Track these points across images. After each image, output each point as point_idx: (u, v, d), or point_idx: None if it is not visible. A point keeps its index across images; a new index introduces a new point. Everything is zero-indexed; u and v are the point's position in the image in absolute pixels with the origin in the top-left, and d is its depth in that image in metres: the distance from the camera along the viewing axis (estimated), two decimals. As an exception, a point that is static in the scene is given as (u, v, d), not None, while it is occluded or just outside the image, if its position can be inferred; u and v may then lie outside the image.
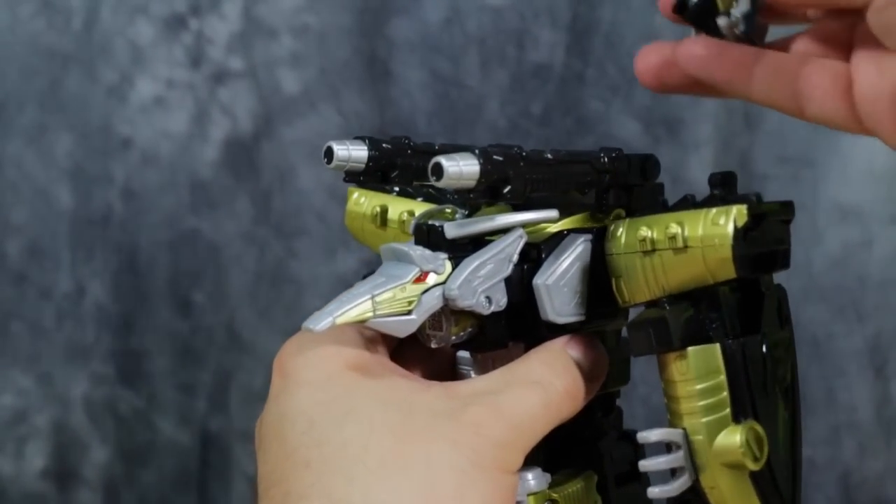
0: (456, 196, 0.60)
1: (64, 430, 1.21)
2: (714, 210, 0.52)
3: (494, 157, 0.50)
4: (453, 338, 0.54)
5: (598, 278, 0.55)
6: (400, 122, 1.12)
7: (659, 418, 1.17)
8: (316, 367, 0.53)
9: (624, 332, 0.59)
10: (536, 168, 0.52)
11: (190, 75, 1.15)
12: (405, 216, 0.60)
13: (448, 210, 0.58)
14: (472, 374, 0.57)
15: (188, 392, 1.19)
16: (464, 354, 0.57)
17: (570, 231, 0.55)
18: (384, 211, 0.61)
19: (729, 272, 0.51)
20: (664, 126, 1.08)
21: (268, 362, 1.29)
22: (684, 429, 0.53)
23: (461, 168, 0.49)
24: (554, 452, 0.56)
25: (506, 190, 0.51)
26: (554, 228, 0.55)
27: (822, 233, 1.07)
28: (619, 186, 0.55)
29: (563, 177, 0.53)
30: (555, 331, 0.55)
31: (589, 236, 0.55)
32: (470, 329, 0.54)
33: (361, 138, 0.55)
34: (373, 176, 0.56)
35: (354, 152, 0.55)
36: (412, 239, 0.55)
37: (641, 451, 0.57)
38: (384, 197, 0.61)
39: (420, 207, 0.60)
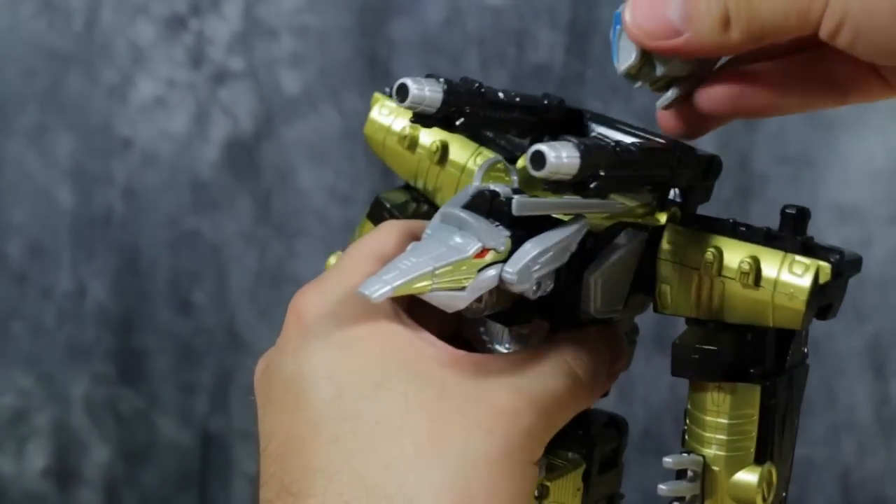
0: (502, 142, 0.57)
1: (64, 430, 1.21)
2: (797, 258, 0.51)
3: (595, 151, 0.47)
4: (487, 311, 0.51)
5: (642, 277, 0.53)
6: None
7: (658, 418, 1.18)
8: (341, 323, 0.50)
9: (634, 323, 0.59)
10: (626, 166, 0.50)
11: (190, 75, 1.15)
12: (437, 146, 0.58)
13: (500, 166, 0.55)
14: (483, 329, 0.55)
15: (189, 392, 1.19)
16: None
17: (627, 225, 0.53)
18: (415, 136, 0.59)
19: (794, 323, 0.50)
20: (664, 126, 1.08)
21: (268, 362, 1.26)
22: (703, 456, 0.53)
23: (563, 160, 0.47)
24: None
25: (592, 185, 0.48)
26: (610, 219, 0.53)
27: (821, 233, 1.06)
28: (681, 185, 0.54)
29: (644, 178, 0.51)
30: (588, 321, 0.53)
31: (646, 235, 0.53)
32: (505, 305, 0.52)
33: (434, 77, 0.51)
34: (440, 121, 0.51)
35: (430, 93, 0.50)
36: (461, 195, 0.51)
37: (625, 438, 0.57)
38: None
39: (454, 140, 0.58)
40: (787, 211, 0.52)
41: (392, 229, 0.55)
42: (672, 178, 0.53)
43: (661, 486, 0.53)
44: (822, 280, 0.50)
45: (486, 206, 0.50)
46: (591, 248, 0.52)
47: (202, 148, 1.16)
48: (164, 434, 1.20)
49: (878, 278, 1.07)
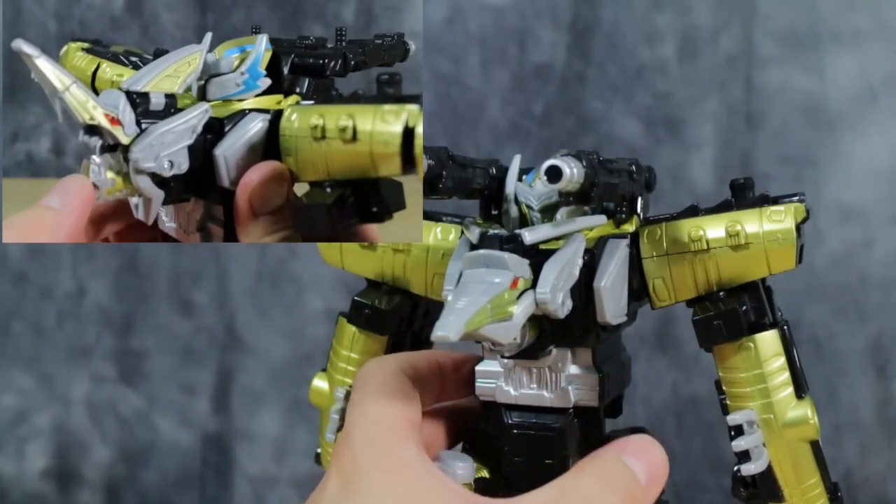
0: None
1: (65, 431, 1.21)
2: (771, 208, 0.57)
3: (593, 163, 0.52)
4: (524, 344, 0.54)
5: (631, 281, 0.58)
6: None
7: (660, 418, 1.17)
8: (371, 476, 0.53)
9: (627, 337, 0.60)
10: (612, 175, 0.54)
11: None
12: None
13: (496, 226, 0.58)
14: (499, 383, 0.57)
15: (189, 392, 1.19)
16: (485, 368, 0.57)
17: (609, 237, 0.57)
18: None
19: (789, 262, 0.57)
20: (665, 126, 1.08)
21: (268, 362, 1.28)
22: (753, 410, 0.58)
23: (574, 172, 0.51)
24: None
25: (593, 193, 0.53)
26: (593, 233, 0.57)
27: (823, 233, 1.06)
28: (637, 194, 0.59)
29: (621, 186, 0.56)
30: (606, 331, 0.56)
31: (627, 241, 0.57)
32: (534, 335, 0.55)
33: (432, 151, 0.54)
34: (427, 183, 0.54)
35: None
36: (463, 244, 0.55)
37: None
38: None
39: None
40: (737, 181, 0.58)
41: (379, 365, 0.58)
42: (634, 187, 0.58)
43: (736, 442, 0.58)
44: (798, 218, 0.57)
45: (498, 246, 0.54)
46: (589, 262, 0.56)
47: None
48: (164, 434, 1.20)
49: (881, 278, 1.07)
